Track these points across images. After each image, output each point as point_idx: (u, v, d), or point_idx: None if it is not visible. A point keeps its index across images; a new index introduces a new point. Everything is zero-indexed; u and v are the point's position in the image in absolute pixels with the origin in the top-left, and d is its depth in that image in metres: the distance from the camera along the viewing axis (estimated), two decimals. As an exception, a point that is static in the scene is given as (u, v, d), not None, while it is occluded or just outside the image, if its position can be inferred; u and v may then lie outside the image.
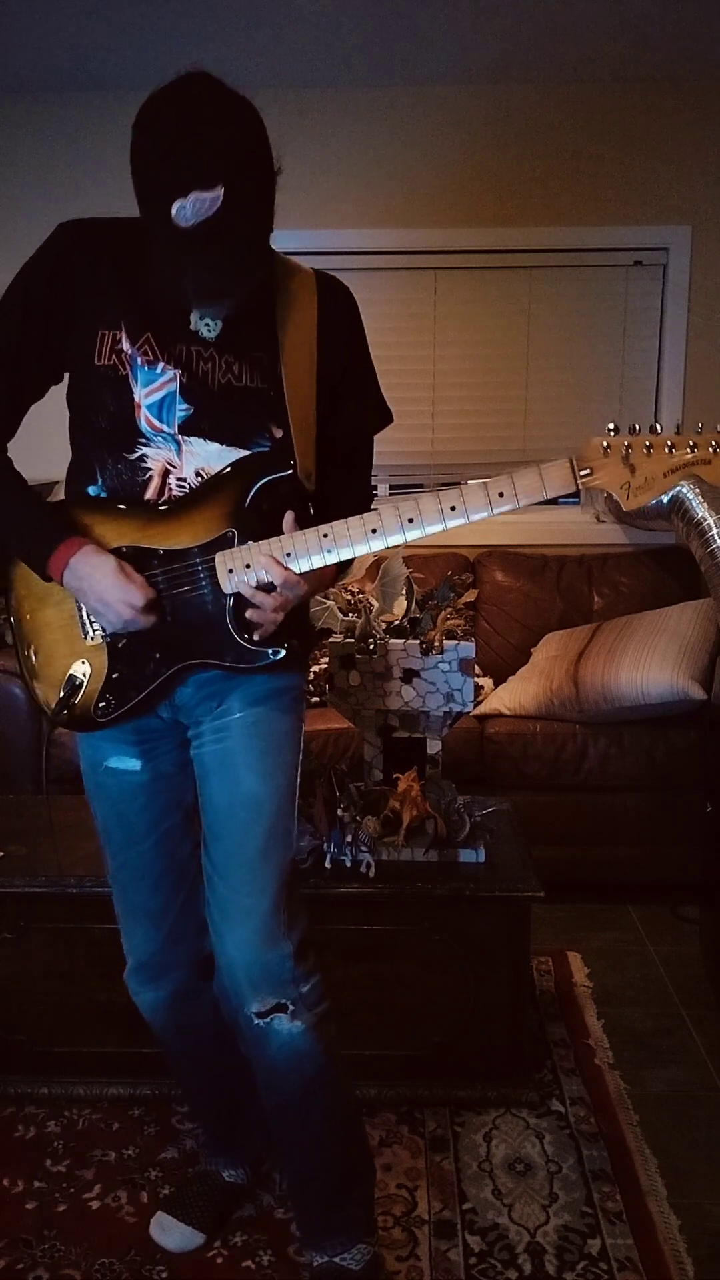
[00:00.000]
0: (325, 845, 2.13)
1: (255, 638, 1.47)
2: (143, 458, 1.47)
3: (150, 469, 1.48)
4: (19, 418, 1.53)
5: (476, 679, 2.89)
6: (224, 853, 1.54)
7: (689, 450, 1.35)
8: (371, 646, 2.19)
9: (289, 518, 1.44)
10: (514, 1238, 1.80)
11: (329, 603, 2.27)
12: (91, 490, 1.51)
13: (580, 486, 1.40)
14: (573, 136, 3.56)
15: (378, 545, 1.45)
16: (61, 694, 1.53)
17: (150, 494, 1.48)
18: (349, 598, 2.87)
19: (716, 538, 2.75)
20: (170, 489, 1.48)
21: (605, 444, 1.38)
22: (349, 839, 2.12)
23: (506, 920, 2.08)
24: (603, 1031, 2.39)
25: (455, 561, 3.62)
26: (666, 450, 1.36)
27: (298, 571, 1.44)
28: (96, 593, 1.44)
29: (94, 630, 1.52)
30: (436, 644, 2.18)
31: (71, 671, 1.53)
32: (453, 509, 1.42)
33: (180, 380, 1.44)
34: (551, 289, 3.68)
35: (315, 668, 3.00)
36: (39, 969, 2.13)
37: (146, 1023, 1.73)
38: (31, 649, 1.57)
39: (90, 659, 1.52)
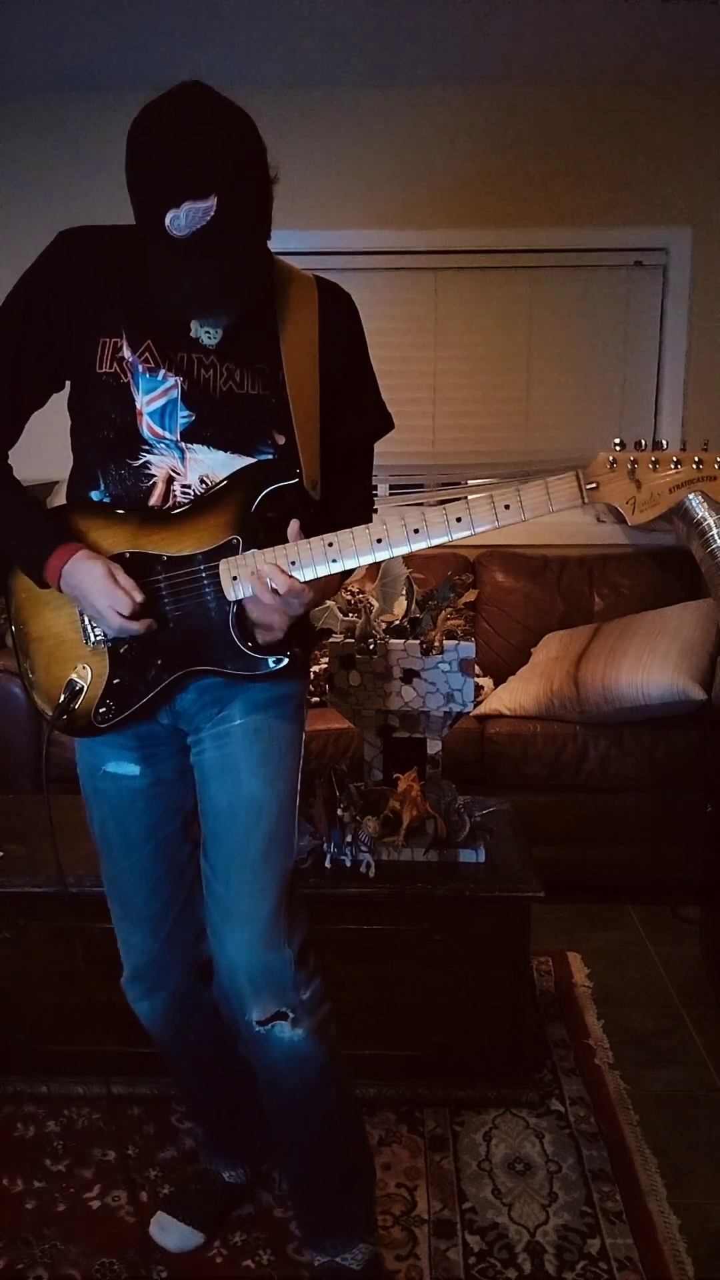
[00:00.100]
0: (325, 845, 2.13)
1: (261, 642, 1.47)
2: (146, 464, 1.47)
3: (154, 476, 1.47)
4: (20, 425, 1.53)
5: (476, 679, 2.90)
6: (225, 855, 1.54)
7: (694, 466, 1.35)
8: (371, 646, 2.19)
9: (294, 526, 1.44)
10: (513, 1237, 1.81)
11: (329, 603, 2.28)
12: (94, 495, 1.51)
13: (586, 502, 1.40)
14: (573, 137, 3.57)
15: (383, 555, 1.45)
16: (61, 699, 1.52)
17: (154, 500, 1.48)
18: (349, 598, 2.87)
19: (717, 538, 2.76)
20: (175, 495, 1.48)
21: (611, 459, 1.39)
22: (349, 839, 2.12)
23: (506, 920, 2.08)
24: (603, 1032, 2.39)
25: (455, 561, 3.62)
26: (672, 466, 1.36)
27: (302, 580, 1.44)
28: (88, 599, 1.44)
29: (95, 635, 1.51)
30: (436, 644, 2.18)
31: (71, 677, 1.52)
32: (459, 520, 1.42)
33: (181, 387, 1.44)
34: (552, 290, 3.68)
35: (315, 668, 3.00)
36: (39, 969, 2.13)
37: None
38: (31, 654, 1.57)
39: (91, 664, 1.52)
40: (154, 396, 1.44)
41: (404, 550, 1.45)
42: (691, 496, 1.39)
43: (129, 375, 1.44)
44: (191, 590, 1.47)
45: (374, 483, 3.78)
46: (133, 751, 1.58)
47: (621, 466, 1.38)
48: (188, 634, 1.48)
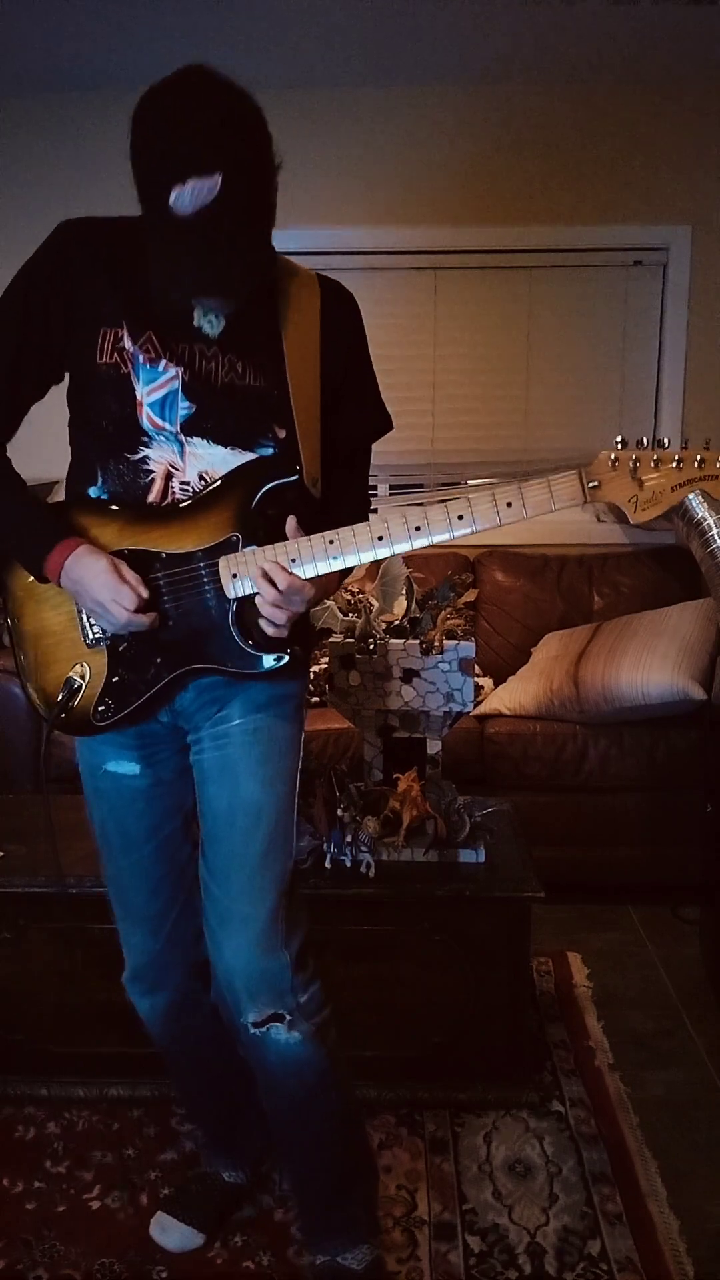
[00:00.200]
0: (325, 845, 2.13)
1: (268, 634, 1.46)
2: (145, 459, 1.46)
3: (153, 471, 1.47)
4: (19, 417, 1.52)
5: (476, 679, 2.89)
6: (223, 858, 1.53)
7: (696, 465, 1.35)
8: (371, 646, 2.19)
9: (291, 522, 1.43)
10: (514, 1239, 1.80)
11: (329, 602, 2.27)
12: (92, 492, 1.50)
13: (588, 500, 1.40)
14: (573, 137, 3.56)
15: (384, 552, 1.44)
16: (59, 697, 1.52)
17: (153, 496, 1.47)
18: (349, 598, 2.86)
19: (717, 538, 2.76)
20: (173, 492, 1.47)
21: (613, 457, 1.38)
22: (349, 839, 2.12)
23: (506, 921, 2.08)
24: (603, 1033, 2.39)
25: (455, 561, 3.61)
26: (674, 465, 1.36)
27: (303, 577, 1.43)
28: (90, 594, 1.43)
29: (94, 632, 1.50)
30: (436, 644, 2.18)
31: (70, 674, 1.52)
32: (460, 518, 1.42)
33: (182, 378, 1.43)
34: (552, 289, 3.68)
35: (315, 668, 3.00)
36: (39, 969, 2.13)
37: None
38: (29, 651, 1.56)
39: (90, 662, 1.51)
40: (154, 387, 1.43)
41: (405, 547, 1.44)
42: (692, 496, 1.39)
43: (129, 365, 1.43)
44: (191, 587, 1.46)
45: (374, 482, 3.79)
46: (133, 751, 1.58)
47: (623, 465, 1.38)
48: (187, 632, 1.48)
